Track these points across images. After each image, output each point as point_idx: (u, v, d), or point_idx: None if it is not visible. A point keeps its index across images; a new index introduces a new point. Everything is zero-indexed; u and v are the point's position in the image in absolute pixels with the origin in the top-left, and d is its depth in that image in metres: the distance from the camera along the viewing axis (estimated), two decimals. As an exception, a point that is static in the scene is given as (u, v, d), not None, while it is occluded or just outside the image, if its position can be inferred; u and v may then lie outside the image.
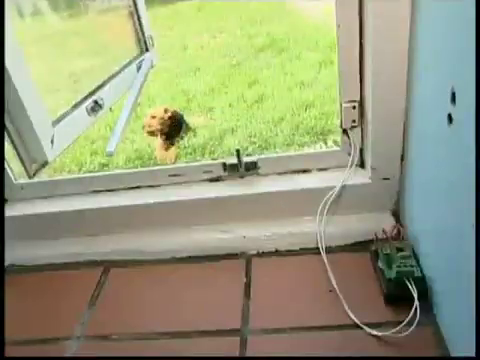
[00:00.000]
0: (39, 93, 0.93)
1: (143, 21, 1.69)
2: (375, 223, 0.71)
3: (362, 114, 0.69)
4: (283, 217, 0.75)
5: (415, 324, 0.55)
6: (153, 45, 1.73)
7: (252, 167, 0.75)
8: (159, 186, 0.79)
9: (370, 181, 0.71)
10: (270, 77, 2.98)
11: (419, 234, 0.64)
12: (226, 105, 2.66)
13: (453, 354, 0.53)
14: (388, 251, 0.64)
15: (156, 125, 2.26)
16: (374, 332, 0.57)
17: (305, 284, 0.67)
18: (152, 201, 0.76)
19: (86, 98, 1.20)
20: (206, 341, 0.61)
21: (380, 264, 0.64)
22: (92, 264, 0.77)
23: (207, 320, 0.64)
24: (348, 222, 0.73)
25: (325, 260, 0.68)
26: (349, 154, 0.72)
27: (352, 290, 0.63)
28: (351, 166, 0.72)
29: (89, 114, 1.17)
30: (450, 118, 0.47)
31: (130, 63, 1.66)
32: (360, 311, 0.60)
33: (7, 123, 0.85)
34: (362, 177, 0.72)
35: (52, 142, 0.96)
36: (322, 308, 0.62)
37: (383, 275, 0.62)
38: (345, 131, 0.71)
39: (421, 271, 0.60)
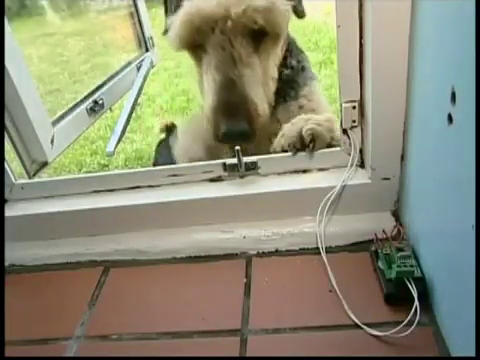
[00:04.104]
0: (39, 93, 0.93)
1: (143, 21, 1.70)
2: (375, 223, 0.71)
3: (362, 114, 0.69)
4: (283, 217, 0.75)
5: (415, 324, 0.55)
6: (153, 45, 1.73)
7: (252, 167, 0.76)
8: (159, 186, 0.79)
9: (370, 181, 0.71)
10: (270, 77, 2.97)
11: (419, 234, 0.64)
12: (226, 105, 2.66)
13: (453, 354, 0.53)
14: (388, 251, 0.64)
15: None
16: (374, 332, 0.57)
17: (305, 284, 0.67)
18: (152, 201, 0.76)
19: (86, 98, 1.20)
20: (206, 341, 0.61)
21: (380, 264, 0.64)
22: (92, 264, 0.77)
23: (207, 320, 0.64)
24: (348, 222, 0.73)
25: (325, 260, 0.68)
26: (349, 154, 0.72)
27: (352, 290, 0.63)
28: (351, 166, 0.72)
29: (89, 114, 1.18)
30: (450, 118, 0.47)
31: (130, 63, 1.66)
32: (360, 311, 0.60)
33: (7, 123, 0.86)
34: (362, 177, 0.72)
35: (52, 142, 0.97)
36: (322, 308, 0.62)
37: (383, 275, 0.62)
38: (345, 131, 0.71)
39: (421, 271, 0.60)
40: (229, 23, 0.75)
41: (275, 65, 0.88)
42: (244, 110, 0.77)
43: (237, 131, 0.76)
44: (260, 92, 0.80)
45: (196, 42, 0.81)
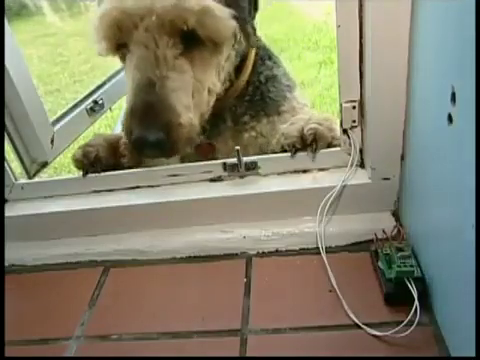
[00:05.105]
0: (39, 93, 0.93)
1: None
2: (375, 223, 0.71)
3: (362, 114, 0.69)
4: (283, 217, 0.75)
5: (415, 324, 0.55)
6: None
7: (252, 167, 0.75)
8: (159, 186, 0.79)
9: (370, 181, 0.71)
10: (270, 77, 2.97)
11: (419, 234, 0.64)
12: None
13: (453, 354, 0.53)
14: (388, 251, 0.64)
15: None
16: (374, 332, 0.57)
17: (305, 284, 0.67)
18: (152, 201, 0.76)
19: (86, 98, 1.20)
20: (206, 341, 0.61)
21: (380, 264, 0.64)
22: (92, 264, 0.77)
23: (207, 320, 0.64)
24: (348, 222, 0.73)
25: (325, 260, 0.68)
26: (349, 154, 0.72)
27: (352, 290, 0.63)
28: (351, 166, 0.72)
29: (89, 114, 1.18)
30: (450, 118, 0.47)
31: (130, 63, 1.65)
32: (360, 311, 0.60)
33: (7, 123, 0.86)
34: (362, 177, 0.72)
35: (52, 142, 0.97)
36: (322, 308, 0.62)
37: (383, 275, 0.62)
38: (345, 131, 0.71)
39: (421, 271, 0.60)
40: (154, 19, 0.67)
41: (217, 78, 0.79)
42: (162, 117, 0.67)
43: (150, 140, 0.66)
44: (185, 99, 0.70)
45: (120, 40, 0.72)
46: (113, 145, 0.82)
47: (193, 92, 0.72)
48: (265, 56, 0.93)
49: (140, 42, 0.69)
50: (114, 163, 0.81)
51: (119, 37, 0.72)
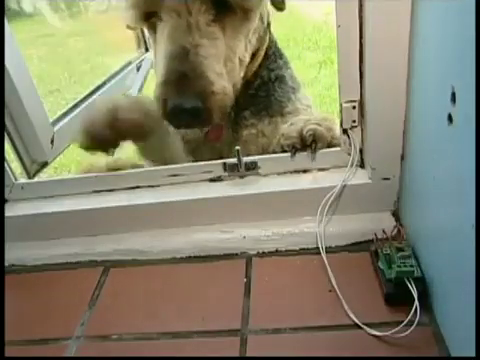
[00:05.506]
0: (39, 93, 0.93)
1: (143, 21, 1.69)
2: (375, 223, 0.71)
3: (362, 114, 0.69)
4: (283, 217, 0.75)
5: (415, 324, 0.55)
6: (153, 45, 1.72)
7: (252, 167, 0.75)
8: (159, 186, 0.79)
9: (370, 181, 0.71)
10: (270, 77, 2.97)
11: (419, 234, 0.64)
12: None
13: (453, 354, 0.53)
14: (388, 251, 0.64)
15: None
16: (374, 332, 0.57)
17: (305, 284, 0.67)
18: (152, 201, 0.76)
19: (86, 98, 1.20)
20: (206, 341, 0.61)
21: (380, 264, 0.64)
22: (92, 264, 0.77)
23: (207, 320, 0.64)
24: (348, 222, 0.73)
25: (325, 260, 0.68)
26: (349, 154, 0.72)
27: (352, 290, 0.63)
28: (351, 166, 0.72)
29: (89, 114, 1.17)
30: (450, 118, 0.47)
31: (130, 63, 1.66)
32: (360, 311, 0.60)
33: (7, 123, 0.86)
34: (362, 177, 0.72)
35: (52, 142, 0.97)
36: (322, 308, 0.62)
37: (383, 275, 0.62)
38: (345, 131, 0.71)
39: (421, 271, 0.60)
40: None
41: (245, 48, 0.78)
42: (197, 85, 0.67)
43: (187, 108, 0.66)
44: (218, 67, 0.70)
45: (149, 8, 0.71)
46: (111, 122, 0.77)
47: (225, 60, 0.72)
48: (277, 54, 0.94)
49: (172, 9, 0.68)
50: (115, 138, 0.79)
51: (149, 5, 0.71)
